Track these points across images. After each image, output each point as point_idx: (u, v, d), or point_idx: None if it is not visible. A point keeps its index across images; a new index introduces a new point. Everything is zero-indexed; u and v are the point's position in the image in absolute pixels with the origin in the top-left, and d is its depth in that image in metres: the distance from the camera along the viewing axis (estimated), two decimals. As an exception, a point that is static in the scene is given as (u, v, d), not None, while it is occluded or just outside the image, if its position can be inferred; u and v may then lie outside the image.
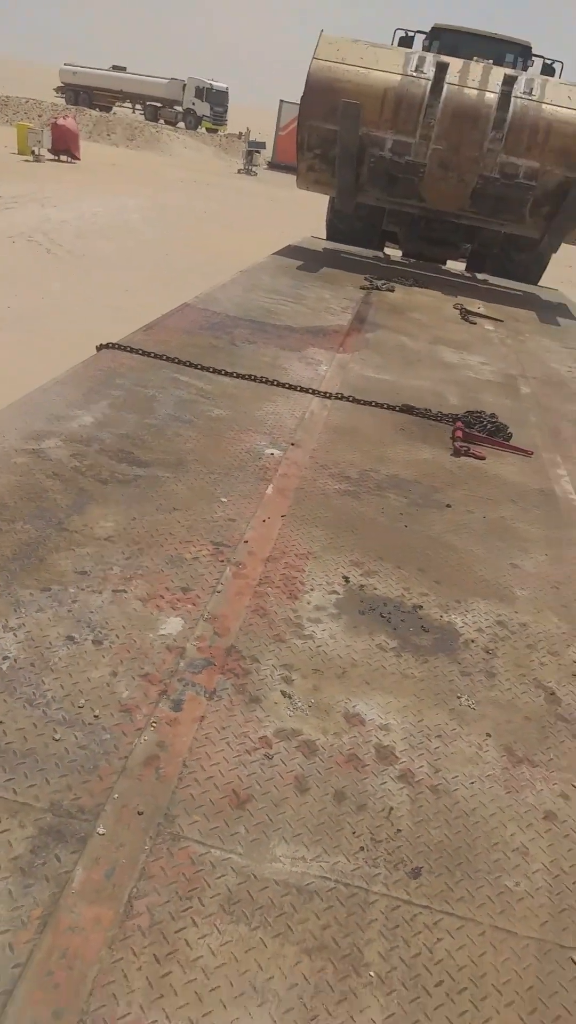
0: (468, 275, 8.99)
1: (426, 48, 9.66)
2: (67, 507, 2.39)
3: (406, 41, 9.75)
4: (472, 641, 2.12)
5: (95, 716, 1.61)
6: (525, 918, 1.36)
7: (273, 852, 1.40)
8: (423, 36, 9.85)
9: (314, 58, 7.06)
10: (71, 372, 3.49)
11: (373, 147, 7.13)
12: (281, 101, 35.15)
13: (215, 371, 3.85)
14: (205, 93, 46.40)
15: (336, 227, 9.22)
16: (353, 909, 1.32)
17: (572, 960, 1.31)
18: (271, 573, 2.26)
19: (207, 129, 45.53)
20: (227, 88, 47.56)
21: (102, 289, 10.12)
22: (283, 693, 1.79)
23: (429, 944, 1.29)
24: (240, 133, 40.18)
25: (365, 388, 4.05)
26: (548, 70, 9.42)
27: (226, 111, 47.43)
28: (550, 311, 7.59)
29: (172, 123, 45.05)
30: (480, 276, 8.92)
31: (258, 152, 33.30)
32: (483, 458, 3.42)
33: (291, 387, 3.85)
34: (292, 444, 3.20)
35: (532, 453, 3.56)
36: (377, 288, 6.78)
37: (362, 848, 1.44)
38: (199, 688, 1.75)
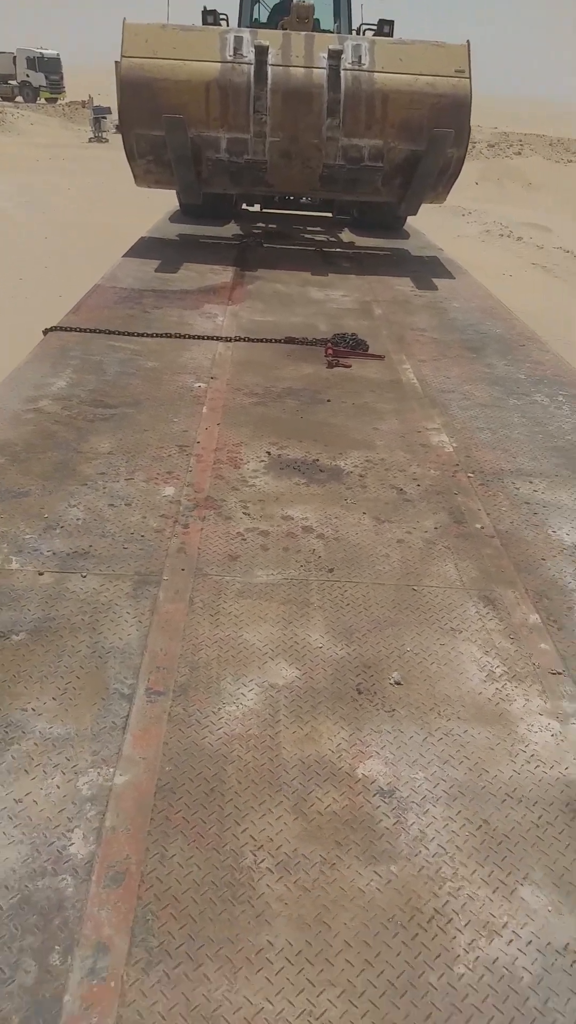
0: (330, 236, 8.90)
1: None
2: (75, 439, 3.55)
3: None
4: (351, 472, 3.42)
5: (142, 536, 2.83)
6: (390, 577, 2.68)
7: (255, 574, 2.66)
8: None
9: (123, 56, 6.49)
10: (35, 352, 4.58)
11: (208, 149, 6.77)
12: (116, 62, 34.88)
13: (139, 335, 4.97)
14: (37, 63, 45.34)
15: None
16: (300, 588, 2.60)
17: (412, 589, 2.63)
18: (220, 457, 3.49)
19: (47, 99, 44.61)
20: (58, 55, 46.51)
21: (-4, 281, 10.85)
22: (244, 512, 3.05)
23: (342, 595, 2.58)
24: (83, 101, 39.62)
25: (255, 329, 5.26)
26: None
27: (61, 78, 46.49)
28: (398, 244, 8.80)
29: (10, 98, 43.91)
30: (344, 237, 8.81)
31: (105, 118, 33.16)
32: (349, 366, 4.70)
33: (200, 337, 5.03)
34: (212, 378, 4.40)
35: (384, 357, 4.86)
36: (248, 245, 7.88)
37: (301, 565, 2.72)
38: (195, 517, 2.99)
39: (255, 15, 9.69)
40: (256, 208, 9.81)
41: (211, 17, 8.50)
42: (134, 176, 7.22)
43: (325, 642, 2.33)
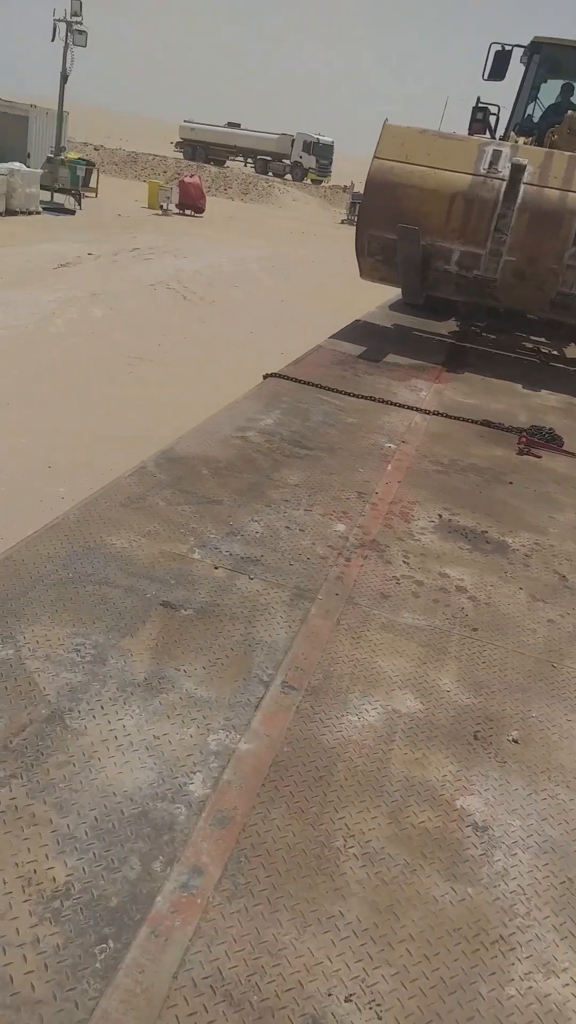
0: (553, 349, 8.60)
1: (523, 63, 9.17)
2: (269, 468, 3.92)
3: (501, 56, 8.96)
4: (517, 550, 3.51)
5: (308, 559, 3.09)
6: (532, 649, 2.74)
7: (402, 614, 2.82)
8: (521, 50, 9.16)
9: (375, 156, 6.54)
10: (252, 392, 5.07)
11: (438, 259, 6.67)
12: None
13: (346, 393, 5.36)
14: (312, 147, 49.37)
15: None
16: (441, 636, 2.73)
17: (551, 665, 2.68)
18: (393, 509, 3.71)
19: (312, 180, 48.28)
20: (333, 142, 50.36)
21: (233, 330, 11.89)
22: (404, 560, 3.23)
23: (481, 653, 2.68)
24: (345, 186, 42.56)
25: (455, 408, 5.48)
26: None
27: (331, 163, 50.17)
28: None
29: (280, 175, 48.01)
30: (569, 352, 8.55)
31: (360, 203, 35.38)
32: (540, 457, 4.79)
33: (400, 405, 5.32)
34: (403, 442, 4.66)
35: (577, 455, 4.90)
36: (469, 333, 8.14)
37: (447, 618, 2.85)
38: (358, 554, 3.21)
39: (529, 112, 9.53)
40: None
41: (481, 113, 8.75)
42: (360, 269, 7.36)
43: (453, 688, 2.45)
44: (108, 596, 2.63)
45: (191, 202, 26.18)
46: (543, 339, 8.81)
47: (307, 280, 17.79)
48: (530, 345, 8.47)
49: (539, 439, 5.00)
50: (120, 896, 1.58)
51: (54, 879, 1.57)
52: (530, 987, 1.53)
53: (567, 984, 1.55)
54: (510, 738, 2.27)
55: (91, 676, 2.22)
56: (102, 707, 2.11)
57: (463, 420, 5.23)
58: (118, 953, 1.45)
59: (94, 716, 2.07)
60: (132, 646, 2.39)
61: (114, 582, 2.72)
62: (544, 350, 8.30)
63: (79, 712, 2.08)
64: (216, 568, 2.89)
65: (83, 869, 1.61)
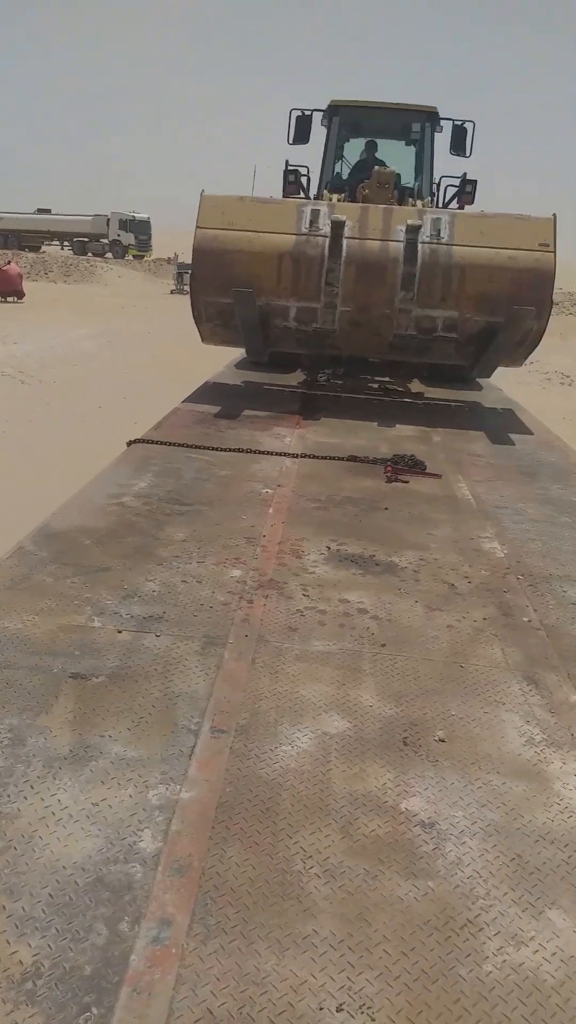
0: (399, 386, 8.80)
1: (325, 125, 9.35)
2: (152, 529, 3.92)
3: (303, 121, 9.16)
4: (405, 568, 3.68)
5: (211, 607, 3.11)
6: (439, 654, 2.88)
7: (312, 643, 2.89)
8: (320, 114, 9.33)
9: (198, 226, 6.63)
10: (120, 459, 5.07)
11: (277, 317, 6.88)
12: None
13: (214, 448, 5.46)
14: (129, 224, 50.31)
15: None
16: (354, 657, 2.82)
17: (459, 666, 2.82)
18: (283, 548, 3.80)
19: (134, 256, 49.13)
20: (148, 217, 51.60)
21: (79, 407, 11.79)
22: (303, 594, 3.32)
23: (393, 666, 2.78)
24: (169, 258, 43.58)
25: (320, 449, 5.70)
26: (459, 131, 9.12)
27: (150, 238, 51.28)
28: (469, 396, 8.61)
29: (100, 255, 48.51)
30: (412, 387, 8.75)
31: (187, 272, 36.29)
32: (407, 482, 5.06)
33: (268, 453, 5.48)
34: (279, 486, 4.79)
35: (441, 476, 5.21)
36: (317, 381, 8.49)
37: (355, 639, 2.95)
38: (258, 594, 3.27)
39: (337, 170, 9.85)
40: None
41: (292, 175, 8.89)
42: (200, 335, 7.44)
43: (375, 702, 2.53)
44: (13, 678, 2.54)
45: (11, 288, 26.12)
46: (387, 378, 9.26)
47: (143, 352, 17.97)
48: (376, 385, 8.91)
49: (403, 466, 5.28)
50: (94, 963, 1.52)
51: (21, 962, 1.49)
52: (504, 960, 1.60)
53: (536, 951, 1.63)
54: (436, 738, 2.36)
55: (13, 759, 2.14)
56: (31, 786, 2.03)
57: (330, 458, 5.44)
58: (104, 1018, 1.40)
59: (25, 797, 1.99)
60: (49, 722, 2.32)
61: (16, 664, 2.63)
62: (391, 387, 8.76)
63: (8, 796, 1.99)
64: (120, 632, 2.86)
65: (49, 946, 1.54)
